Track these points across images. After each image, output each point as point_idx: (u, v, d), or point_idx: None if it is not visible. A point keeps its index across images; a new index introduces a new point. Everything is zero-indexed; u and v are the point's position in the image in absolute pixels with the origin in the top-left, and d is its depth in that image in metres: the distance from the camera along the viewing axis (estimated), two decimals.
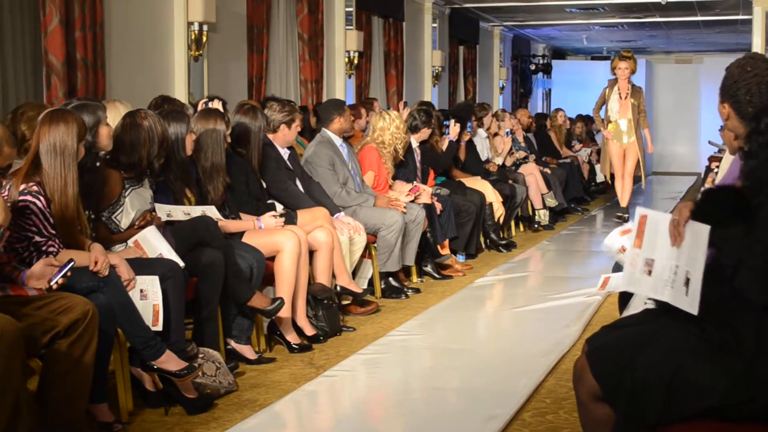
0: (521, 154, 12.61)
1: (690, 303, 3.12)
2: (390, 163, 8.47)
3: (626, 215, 12.11)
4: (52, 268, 4.19)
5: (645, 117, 12.20)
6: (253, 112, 6.64)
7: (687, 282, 3.15)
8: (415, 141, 9.07)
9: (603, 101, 12.29)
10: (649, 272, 3.24)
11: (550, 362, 5.78)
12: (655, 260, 3.23)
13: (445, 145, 9.78)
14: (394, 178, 8.65)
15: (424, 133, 9.19)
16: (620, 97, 12.08)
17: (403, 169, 8.83)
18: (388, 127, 8.36)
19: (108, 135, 5.12)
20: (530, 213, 11.98)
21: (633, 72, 12.06)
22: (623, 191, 12.40)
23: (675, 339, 3.11)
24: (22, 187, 4.42)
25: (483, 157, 11.30)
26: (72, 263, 4.23)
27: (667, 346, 3.08)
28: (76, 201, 4.59)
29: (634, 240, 3.32)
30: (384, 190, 8.26)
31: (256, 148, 6.63)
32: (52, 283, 4.18)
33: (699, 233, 3.15)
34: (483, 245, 10.10)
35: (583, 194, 15.13)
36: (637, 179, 12.57)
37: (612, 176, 12.74)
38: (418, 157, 9.13)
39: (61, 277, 4.19)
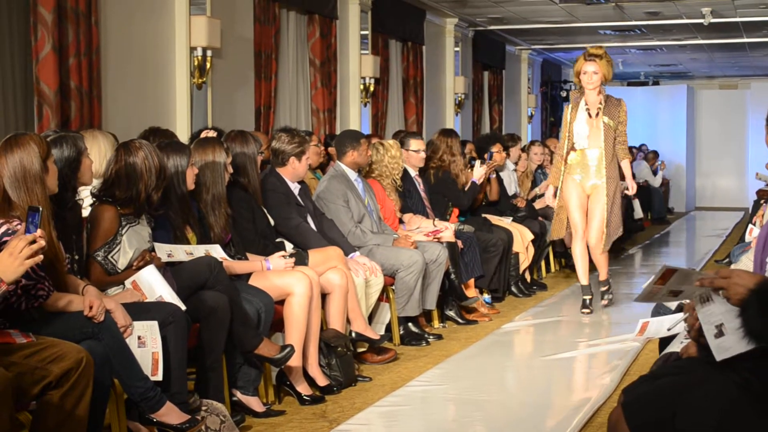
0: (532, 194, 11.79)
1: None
2: (394, 194, 8.51)
3: (590, 297, 9.26)
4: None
5: (625, 145, 9.12)
6: (243, 137, 6.63)
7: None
8: (412, 169, 9.10)
9: (568, 130, 9.13)
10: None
11: (583, 415, 5.75)
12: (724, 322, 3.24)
13: (468, 186, 9.73)
14: (402, 211, 8.68)
15: (413, 158, 9.06)
16: (589, 116, 9.00)
17: (408, 200, 8.85)
18: (382, 159, 8.42)
19: (90, 168, 5.14)
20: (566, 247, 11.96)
21: (606, 78, 8.99)
22: (584, 260, 9.19)
23: (716, 390, 3.11)
24: (5, 227, 4.33)
25: (510, 192, 11.29)
26: (39, 211, 3.92)
27: (708, 398, 3.08)
28: (51, 226, 4.54)
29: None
30: (393, 224, 8.28)
31: (256, 175, 6.63)
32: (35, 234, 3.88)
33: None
34: (507, 291, 10.09)
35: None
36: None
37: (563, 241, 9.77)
38: (420, 186, 9.14)
39: (33, 225, 3.88)
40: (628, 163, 9.12)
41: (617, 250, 14.00)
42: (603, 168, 8.93)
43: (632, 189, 9.30)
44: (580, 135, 9.01)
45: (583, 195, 9.05)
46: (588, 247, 9.14)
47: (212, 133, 6.79)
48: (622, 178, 9.18)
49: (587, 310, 9.13)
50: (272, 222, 6.84)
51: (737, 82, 24.77)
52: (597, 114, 8.97)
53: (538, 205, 11.54)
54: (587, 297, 9.22)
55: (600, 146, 8.94)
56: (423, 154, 9.12)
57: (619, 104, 9.08)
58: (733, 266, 5.70)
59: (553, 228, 9.46)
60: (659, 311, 5.17)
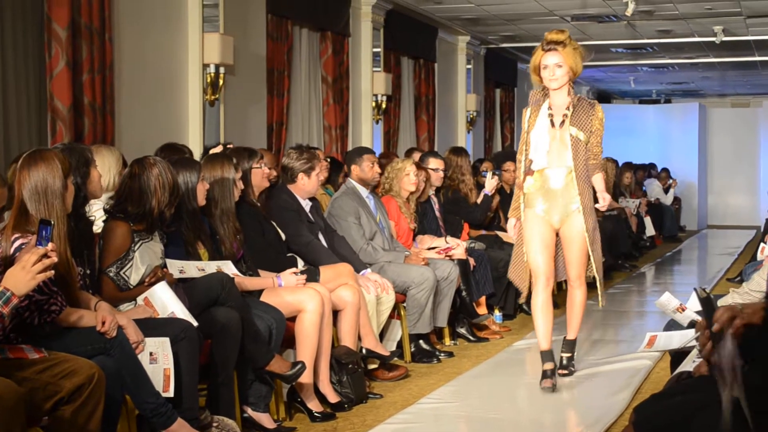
0: None
1: None
2: (410, 214, 8.51)
3: (552, 367, 6.83)
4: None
5: (598, 159, 6.83)
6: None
7: None
8: (429, 188, 9.08)
9: (525, 141, 6.90)
10: None
11: None
12: None
13: (480, 198, 9.76)
14: (416, 233, 8.68)
15: (432, 176, 9.05)
16: (552, 125, 6.78)
17: (423, 219, 8.85)
18: (401, 176, 8.41)
19: (98, 180, 5.16)
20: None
21: (575, 72, 6.75)
22: (546, 316, 6.87)
23: None
24: (20, 242, 4.36)
25: None
26: (51, 225, 3.98)
27: (719, 417, 3.07)
28: (66, 242, 4.56)
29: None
30: (406, 243, 8.29)
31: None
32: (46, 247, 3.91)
33: None
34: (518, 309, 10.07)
35: (632, 250, 15.06)
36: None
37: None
38: (436, 206, 9.15)
39: (44, 239, 3.91)
40: (601, 177, 6.86)
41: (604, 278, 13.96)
42: (575, 193, 6.70)
43: (604, 202, 6.74)
44: (537, 149, 6.77)
45: (549, 232, 6.81)
46: (567, 285, 7.14)
47: (220, 148, 6.80)
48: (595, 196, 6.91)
49: (549, 383, 6.70)
50: (282, 236, 6.84)
51: (749, 101, 24.72)
52: (562, 123, 6.72)
53: None
54: (549, 367, 6.81)
55: (567, 165, 6.72)
56: (441, 173, 9.15)
57: (593, 109, 6.80)
58: (744, 284, 5.69)
59: (513, 274, 7.12)
60: (671, 328, 5.17)
